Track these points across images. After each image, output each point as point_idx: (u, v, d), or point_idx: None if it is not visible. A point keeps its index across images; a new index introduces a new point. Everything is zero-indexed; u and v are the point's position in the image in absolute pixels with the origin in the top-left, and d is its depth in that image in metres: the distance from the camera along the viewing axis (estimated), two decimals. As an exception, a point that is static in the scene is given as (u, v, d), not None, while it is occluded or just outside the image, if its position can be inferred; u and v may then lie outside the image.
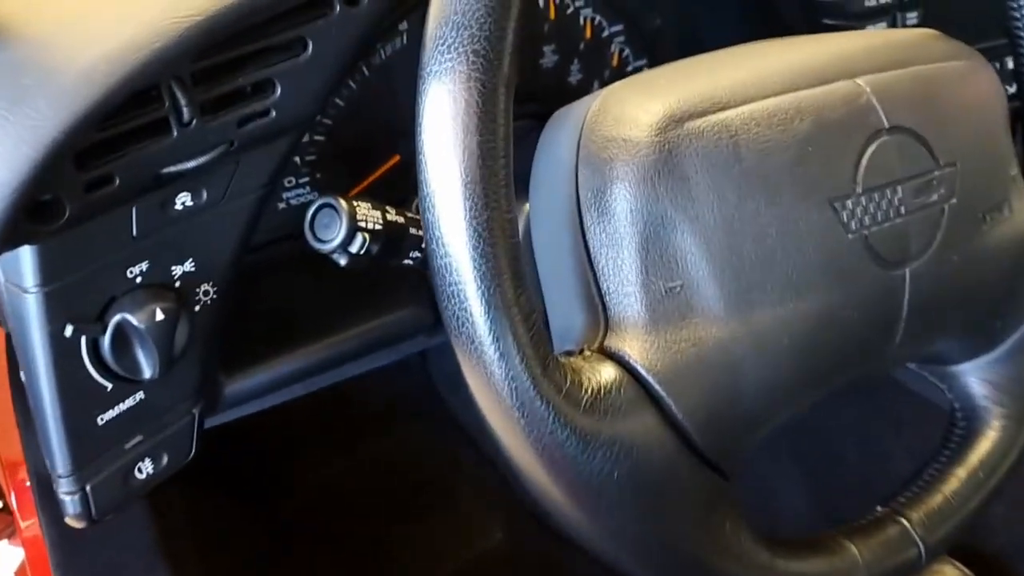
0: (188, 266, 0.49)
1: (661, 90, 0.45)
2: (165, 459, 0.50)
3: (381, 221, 0.51)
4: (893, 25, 0.78)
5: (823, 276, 0.45)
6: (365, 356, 0.71)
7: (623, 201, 0.43)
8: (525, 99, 0.79)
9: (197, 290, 0.50)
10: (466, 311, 0.38)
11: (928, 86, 0.50)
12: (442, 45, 0.38)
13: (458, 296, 0.38)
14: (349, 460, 1.06)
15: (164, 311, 0.46)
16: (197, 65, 0.44)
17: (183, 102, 0.44)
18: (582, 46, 0.80)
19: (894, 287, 0.48)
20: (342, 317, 0.68)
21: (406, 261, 0.55)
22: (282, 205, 0.68)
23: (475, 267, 0.37)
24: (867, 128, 0.47)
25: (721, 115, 0.44)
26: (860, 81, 0.48)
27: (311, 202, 0.50)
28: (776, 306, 0.44)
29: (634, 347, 0.42)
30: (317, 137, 0.69)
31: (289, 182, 0.68)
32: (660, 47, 0.86)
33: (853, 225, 0.46)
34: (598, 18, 0.80)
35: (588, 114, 0.45)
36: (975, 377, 0.57)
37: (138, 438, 0.49)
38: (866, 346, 0.48)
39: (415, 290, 0.69)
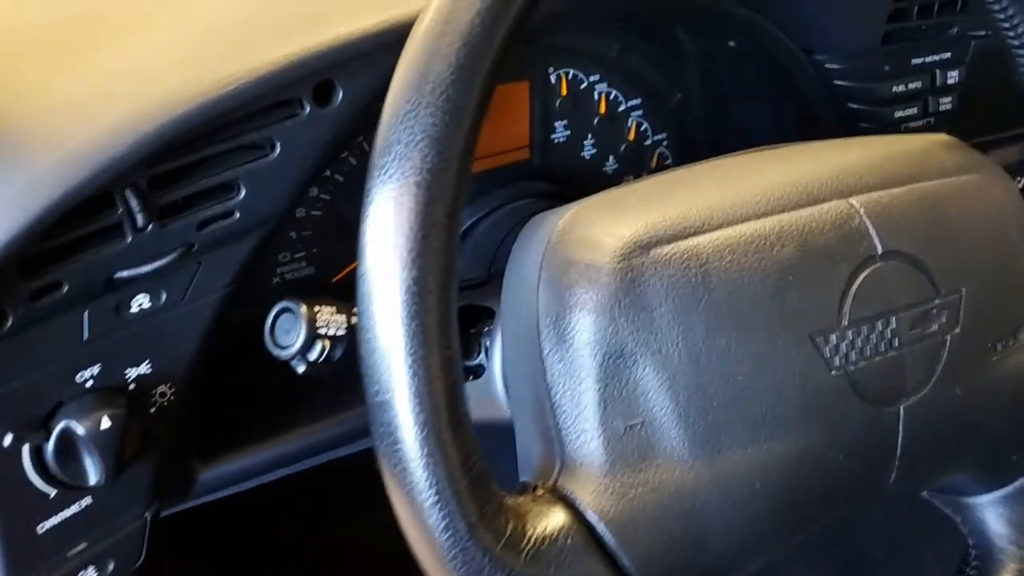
0: (144, 368, 0.49)
1: (630, 211, 0.43)
2: (111, 566, 0.50)
3: (345, 326, 0.50)
4: (925, 111, 0.75)
5: (802, 416, 0.43)
6: (350, 443, 0.70)
7: (582, 331, 0.41)
8: (535, 176, 0.78)
9: (153, 392, 0.49)
10: (400, 453, 0.37)
11: (932, 205, 0.48)
12: (384, 174, 0.37)
13: (392, 436, 0.37)
14: (346, 529, 1.05)
15: (112, 418, 0.46)
16: (154, 170, 0.44)
17: (136, 208, 0.44)
18: (596, 121, 0.79)
19: (886, 425, 0.45)
20: (328, 401, 0.68)
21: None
22: (276, 280, 0.68)
23: (411, 408, 0.36)
24: (858, 255, 0.45)
25: (692, 241, 0.42)
26: (854, 201, 0.46)
27: (275, 303, 0.49)
28: (747, 448, 0.42)
29: (587, 489, 0.41)
30: (314, 212, 0.69)
31: (284, 256, 0.68)
32: (681, 121, 0.84)
33: (837, 361, 0.44)
34: (614, 93, 0.80)
35: (553, 232, 0.44)
36: (991, 512, 0.54)
37: (82, 545, 0.48)
38: (853, 487, 0.46)
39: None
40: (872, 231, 0.45)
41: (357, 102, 0.49)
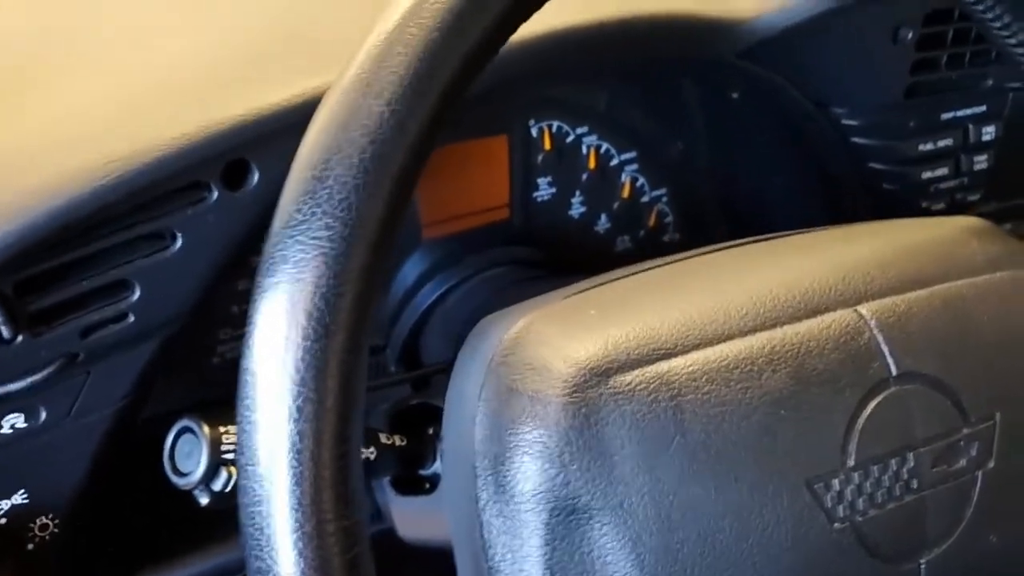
0: (18, 499, 0.43)
1: (588, 327, 0.38)
2: None
3: None
4: (957, 170, 0.69)
5: (798, 581, 0.37)
6: None
7: (525, 480, 0.35)
8: (517, 237, 0.73)
9: (31, 526, 0.44)
10: None
11: (959, 313, 0.41)
12: (267, 299, 0.31)
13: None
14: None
15: None
16: (21, 275, 0.39)
17: (1, 319, 0.39)
18: (585, 177, 0.74)
19: (901, 586, 0.39)
20: None
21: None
22: (216, 359, 0.63)
23: None
24: (867, 379, 0.38)
25: (661, 366, 0.36)
26: (863, 310, 0.40)
27: (173, 424, 0.44)
28: (729, 622, 0.36)
29: (527, 677, 0.35)
30: None
31: (225, 334, 0.63)
32: (683, 175, 0.79)
33: (840, 511, 0.37)
34: (604, 145, 0.74)
35: (497, 350, 0.38)
36: None
37: None
38: (863, 660, 0.40)
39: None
40: (885, 348, 0.39)
41: (277, 185, 0.44)
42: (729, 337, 0.38)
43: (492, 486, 0.36)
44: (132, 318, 0.43)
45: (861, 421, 0.38)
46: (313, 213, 0.31)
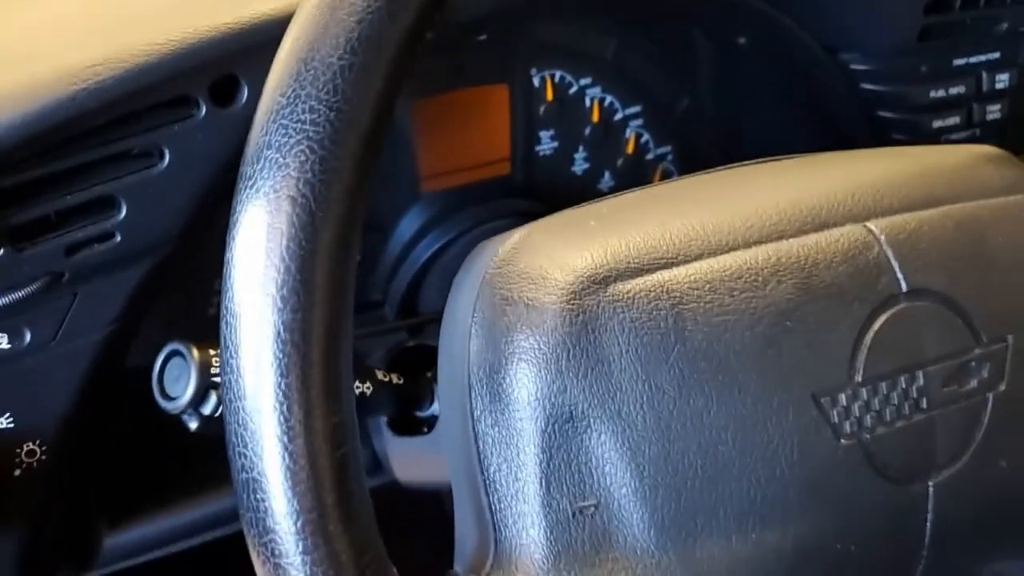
0: (4, 422, 0.42)
1: (588, 237, 0.37)
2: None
3: None
4: (969, 120, 0.67)
5: (803, 498, 0.36)
6: None
7: (520, 388, 0.34)
8: (517, 193, 0.72)
9: (17, 452, 0.43)
10: (272, 547, 0.30)
11: (971, 232, 0.40)
12: (252, 188, 0.30)
13: (263, 526, 0.30)
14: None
15: None
16: (1, 183, 0.38)
17: None
18: (588, 131, 0.73)
19: (911, 508, 0.38)
20: None
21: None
22: (212, 311, 0.63)
23: (284, 492, 0.30)
24: (876, 294, 0.37)
25: (662, 275, 0.35)
26: (872, 226, 0.39)
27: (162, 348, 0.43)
28: (731, 538, 0.35)
29: (523, 590, 0.34)
30: None
31: (220, 284, 0.63)
32: (689, 132, 0.78)
33: (848, 428, 0.36)
34: (609, 99, 0.73)
35: (492, 262, 0.37)
36: None
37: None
38: (867, 585, 0.39)
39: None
40: (895, 264, 0.38)
41: None
42: (733, 248, 0.37)
43: (487, 396, 0.35)
44: (119, 238, 0.42)
45: (870, 336, 0.37)
46: (297, 96, 0.30)
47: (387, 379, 0.52)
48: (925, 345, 0.38)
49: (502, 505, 0.35)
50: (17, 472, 0.43)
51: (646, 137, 0.76)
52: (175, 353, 0.43)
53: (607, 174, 0.76)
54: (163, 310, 0.50)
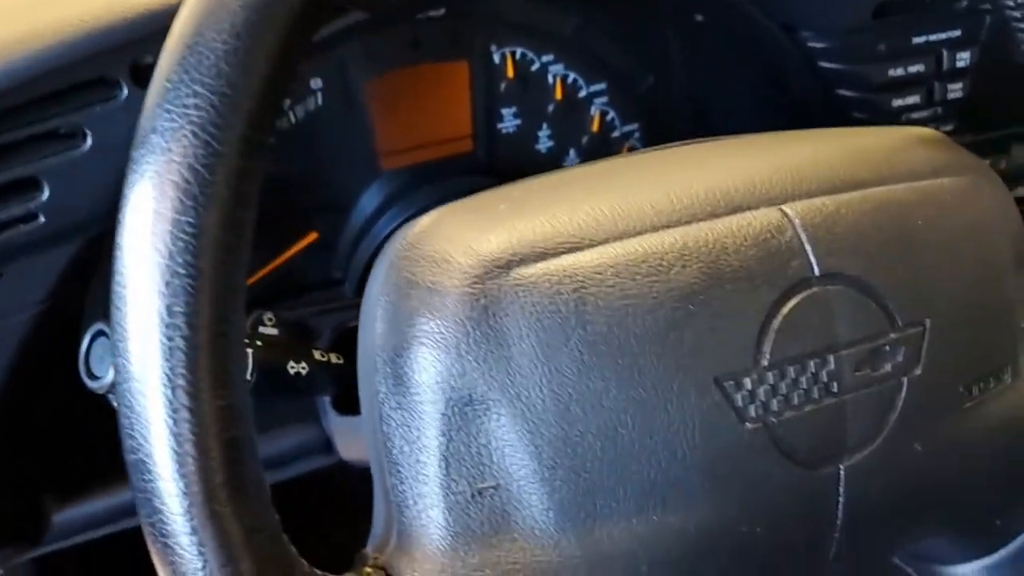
0: (-73, 402, 0.43)
1: (496, 220, 0.37)
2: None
3: None
4: (930, 98, 0.67)
5: (705, 480, 0.36)
6: None
7: (421, 370, 0.35)
8: (480, 170, 0.72)
9: None
10: (163, 527, 0.31)
11: (894, 215, 0.41)
12: (138, 172, 0.31)
13: (152, 506, 0.31)
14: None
15: None
16: None
17: None
18: (551, 108, 0.73)
19: (820, 491, 0.38)
20: None
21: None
22: None
23: (172, 473, 0.30)
24: (786, 277, 0.38)
25: (566, 260, 0.36)
26: (788, 209, 0.39)
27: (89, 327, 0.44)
28: (631, 519, 0.35)
29: (421, 568, 0.34)
30: None
31: None
32: (656, 109, 0.77)
33: (753, 411, 0.37)
34: (572, 75, 0.73)
35: (399, 245, 0.38)
36: None
37: None
38: (779, 566, 0.39)
39: (303, 407, 0.63)
40: (808, 247, 0.38)
41: None
42: (640, 232, 0.37)
43: (391, 379, 0.36)
44: (42, 219, 0.43)
45: (778, 320, 0.37)
46: (181, 80, 0.30)
47: (325, 359, 0.52)
48: (837, 329, 0.38)
49: (404, 486, 0.35)
50: (-54, 451, 0.44)
51: (612, 115, 0.76)
52: (100, 333, 0.44)
53: (572, 152, 0.76)
54: (102, 289, 0.51)
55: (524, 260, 0.35)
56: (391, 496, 0.36)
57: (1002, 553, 0.46)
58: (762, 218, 0.38)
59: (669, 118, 0.78)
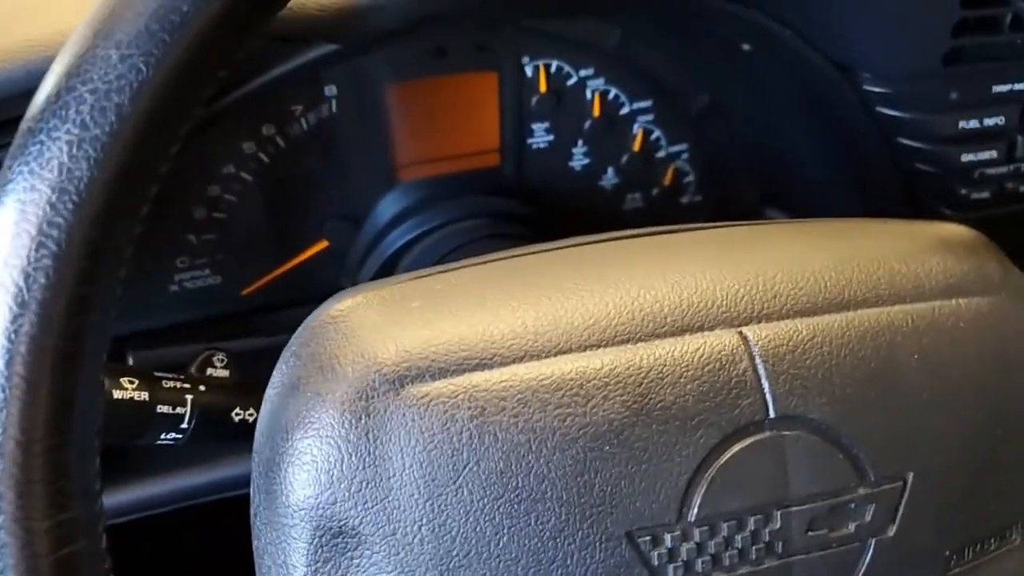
0: None
1: (403, 321, 0.33)
2: None
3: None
4: (1010, 155, 0.59)
5: (605, 647, 0.32)
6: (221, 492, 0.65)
7: (290, 491, 0.32)
8: (508, 187, 0.69)
9: None
10: None
11: (881, 345, 0.35)
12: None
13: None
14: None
15: None
16: None
17: None
18: (588, 124, 0.69)
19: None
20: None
21: (159, 442, 0.47)
22: (174, 288, 0.63)
23: None
24: (730, 419, 0.33)
25: (470, 378, 0.31)
26: (749, 333, 0.34)
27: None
28: None
29: None
30: (217, 214, 0.63)
31: (182, 262, 0.64)
32: (706, 131, 0.72)
33: (671, 572, 0.32)
34: (614, 91, 0.69)
35: (300, 333, 0.34)
36: None
37: None
38: None
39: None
40: (765, 383, 0.33)
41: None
42: (564, 351, 0.32)
43: (263, 493, 0.33)
44: None
45: (714, 469, 0.32)
46: (20, 170, 0.27)
47: None
48: (790, 482, 0.33)
49: (270, 612, 0.32)
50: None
51: (657, 133, 0.72)
52: None
53: (610, 171, 0.72)
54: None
55: (420, 376, 0.31)
56: None
57: None
58: (714, 342, 0.33)
59: (723, 142, 0.73)
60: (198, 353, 0.54)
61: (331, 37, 0.50)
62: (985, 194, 0.59)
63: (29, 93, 0.28)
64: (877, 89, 0.56)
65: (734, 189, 0.75)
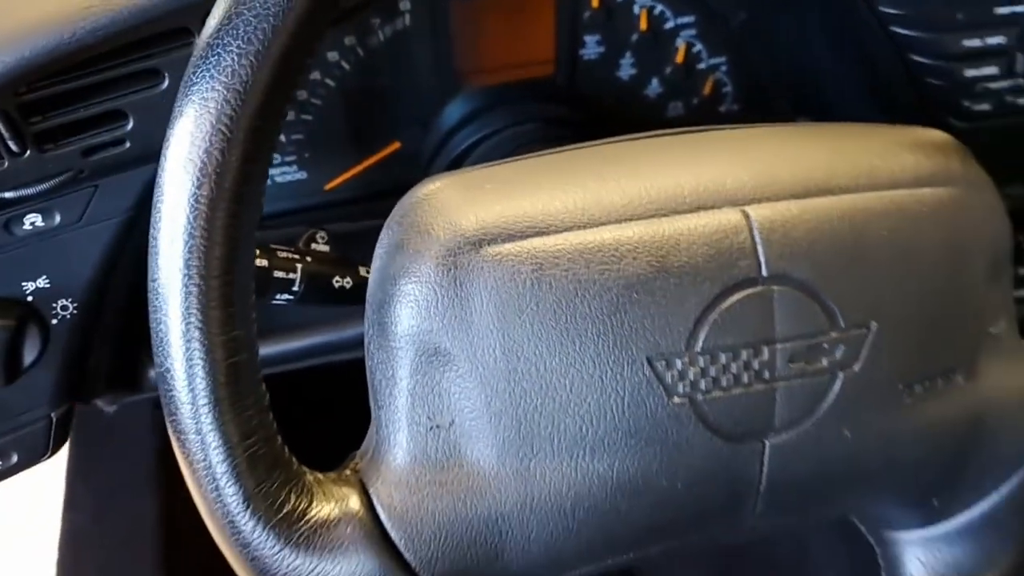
0: (42, 282, 0.55)
1: (479, 199, 0.44)
2: (15, 457, 0.58)
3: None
4: (1010, 69, 0.68)
5: (629, 440, 0.44)
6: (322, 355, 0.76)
7: (398, 323, 0.43)
8: (561, 95, 0.78)
9: (54, 305, 0.56)
10: (177, 426, 0.41)
11: (854, 224, 0.45)
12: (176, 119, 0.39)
13: (170, 408, 0.41)
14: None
15: (3, 328, 0.53)
16: (23, 98, 0.49)
17: (7, 135, 0.49)
18: (635, 38, 0.77)
19: (742, 460, 0.45)
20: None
21: (275, 301, 0.59)
22: (267, 182, 0.73)
23: (188, 386, 0.40)
24: (730, 276, 0.44)
25: (530, 243, 0.43)
26: (751, 211, 0.45)
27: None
28: (562, 464, 0.44)
29: (383, 479, 0.44)
30: (305, 116, 0.73)
31: (275, 159, 0.73)
32: (744, 45, 0.81)
33: (681, 388, 0.44)
34: (659, 7, 0.77)
35: (399, 208, 0.46)
36: (910, 553, 0.53)
37: (-15, 437, 0.57)
38: (699, 517, 0.47)
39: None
40: (760, 249, 0.44)
41: None
42: (602, 223, 0.43)
43: (376, 325, 0.44)
44: (128, 144, 0.53)
45: (716, 313, 0.43)
46: (218, 43, 0.38)
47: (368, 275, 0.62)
48: (775, 325, 0.44)
49: (380, 411, 0.45)
50: (54, 321, 0.57)
51: (698, 47, 0.80)
52: None
53: (655, 81, 0.80)
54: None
55: (494, 240, 0.43)
56: (373, 417, 0.45)
57: (938, 528, 0.52)
58: (721, 218, 0.44)
59: (757, 56, 0.81)
60: (296, 235, 0.65)
61: None
62: (986, 106, 0.68)
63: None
64: (892, 10, 0.65)
65: (768, 99, 0.83)
